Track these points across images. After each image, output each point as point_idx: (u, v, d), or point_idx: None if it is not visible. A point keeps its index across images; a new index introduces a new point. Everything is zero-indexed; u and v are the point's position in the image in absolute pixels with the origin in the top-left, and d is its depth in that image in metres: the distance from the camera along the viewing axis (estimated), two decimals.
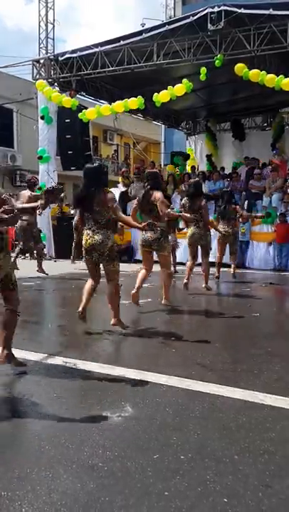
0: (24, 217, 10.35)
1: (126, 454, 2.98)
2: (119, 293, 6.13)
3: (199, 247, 9.46)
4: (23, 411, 3.72)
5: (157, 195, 7.16)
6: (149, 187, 7.27)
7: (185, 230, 10.10)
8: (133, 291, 7.35)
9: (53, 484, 2.65)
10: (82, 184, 6.10)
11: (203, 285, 9.46)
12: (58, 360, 4.92)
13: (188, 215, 8.74)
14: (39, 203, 10.01)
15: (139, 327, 6.55)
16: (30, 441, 3.19)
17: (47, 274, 11.23)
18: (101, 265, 6.13)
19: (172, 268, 9.12)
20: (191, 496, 2.56)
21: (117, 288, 6.07)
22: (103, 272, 6.16)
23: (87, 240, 5.94)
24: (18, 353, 4.88)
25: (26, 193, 11.10)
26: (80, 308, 6.13)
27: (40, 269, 11.21)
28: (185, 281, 9.14)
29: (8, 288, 4.46)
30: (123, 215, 6.26)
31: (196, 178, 13.27)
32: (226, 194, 11.41)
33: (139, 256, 13.18)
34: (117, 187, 17.75)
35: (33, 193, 11.18)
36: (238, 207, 11.67)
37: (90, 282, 6.21)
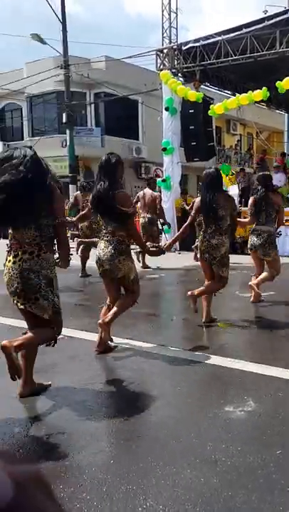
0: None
1: (249, 449, 2.98)
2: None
3: None
4: (146, 404, 3.77)
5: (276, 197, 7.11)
6: (264, 191, 7.09)
7: None
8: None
9: (176, 479, 2.68)
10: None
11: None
12: (180, 353, 4.97)
13: None
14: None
15: (259, 321, 6.45)
16: (153, 434, 3.23)
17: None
18: None
19: None
20: None
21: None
22: None
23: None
24: (141, 344, 5.01)
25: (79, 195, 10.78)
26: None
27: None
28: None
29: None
30: None
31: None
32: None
33: None
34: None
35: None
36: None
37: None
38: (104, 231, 4.95)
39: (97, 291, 7.33)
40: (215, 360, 4.71)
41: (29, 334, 3.74)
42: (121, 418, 3.46)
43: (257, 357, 4.81)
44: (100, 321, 4.86)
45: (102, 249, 4.90)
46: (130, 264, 4.91)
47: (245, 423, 3.34)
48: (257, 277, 7.22)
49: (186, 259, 12.46)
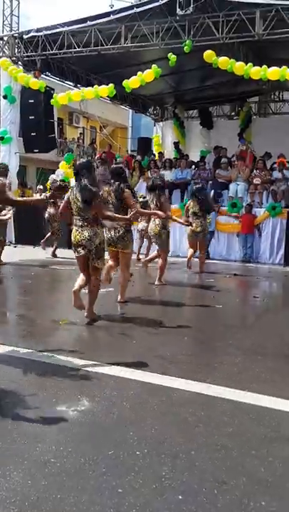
0: None
1: (80, 449, 2.91)
2: (98, 289, 6.15)
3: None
4: None
5: (128, 193, 7.03)
6: (118, 183, 7.00)
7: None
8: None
9: (2, 481, 2.57)
10: (79, 178, 5.92)
11: (156, 282, 9.07)
12: (14, 351, 4.79)
13: (161, 213, 8.33)
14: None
15: (100, 318, 6.44)
16: None
17: None
18: None
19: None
20: (145, 492, 2.51)
21: (97, 283, 6.10)
22: None
23: (76, 236, 5.89)
24: None
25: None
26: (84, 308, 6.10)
27: None
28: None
29: None
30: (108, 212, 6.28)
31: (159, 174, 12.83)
32: (203, 191, 11.21)
33: None
34: None
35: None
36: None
37: (79, 280, 6.09)
38: None
39: None
40: (49, 358, 4.59)
41: None
42: None
43: (92, 355, 4.74)
44: None
45: None
46: None
47: (78, 423, 3.26)
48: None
49: (22, 253, 12.20)
